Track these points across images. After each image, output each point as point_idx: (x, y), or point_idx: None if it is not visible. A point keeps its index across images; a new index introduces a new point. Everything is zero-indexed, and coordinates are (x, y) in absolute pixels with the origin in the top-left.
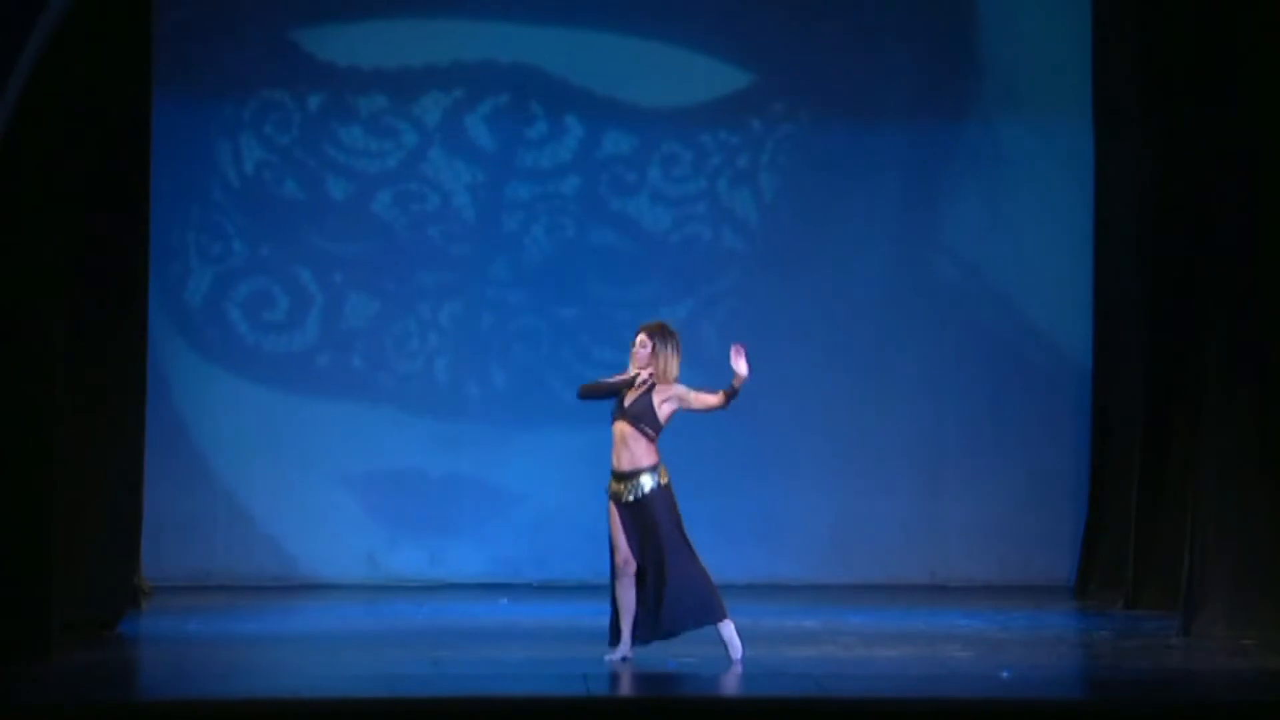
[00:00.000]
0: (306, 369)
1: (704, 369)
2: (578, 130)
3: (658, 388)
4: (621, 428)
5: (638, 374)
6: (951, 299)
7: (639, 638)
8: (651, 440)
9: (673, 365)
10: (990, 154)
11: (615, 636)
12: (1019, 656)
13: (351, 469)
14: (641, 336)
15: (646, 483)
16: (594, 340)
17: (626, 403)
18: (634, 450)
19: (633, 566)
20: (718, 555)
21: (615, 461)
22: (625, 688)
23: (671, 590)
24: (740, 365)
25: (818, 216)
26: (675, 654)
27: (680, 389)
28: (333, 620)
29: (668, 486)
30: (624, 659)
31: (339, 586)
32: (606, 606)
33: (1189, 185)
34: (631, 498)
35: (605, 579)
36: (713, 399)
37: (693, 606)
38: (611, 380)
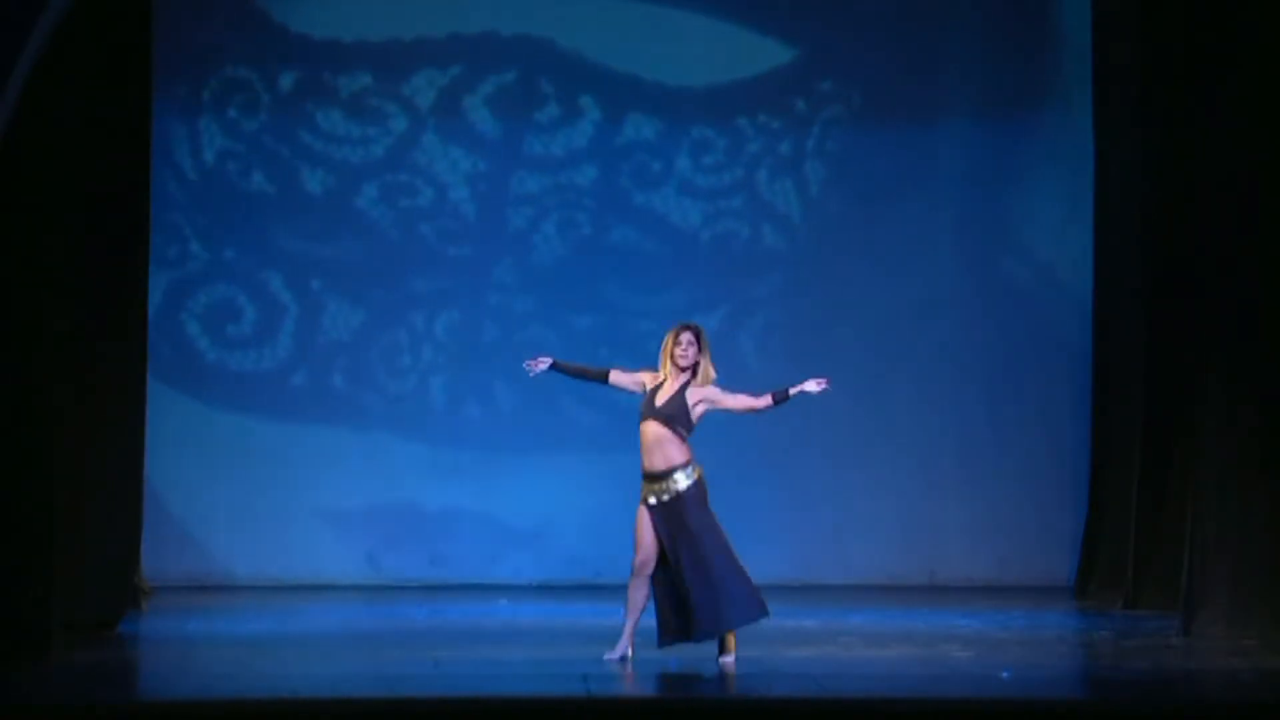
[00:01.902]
0: (278, 390)
1: (739, 385)
2: (594, 113)
3: (692, 388)
4: (655, 428)
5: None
6: (950, 299)
7: (670, 638)
8: (683, 439)
9: (711, 366)
10: (1040, 147)
11: (664, 632)
12: (1019, 656)
13: (334, 503)
14: (688, 335)
15: (680, 481)
16: (613, 353)
17: (659, 402)
18: (667, 451)
19: (649, 568)
20: None
21: (648, 463)
22: (625, 688)
23: (713, 590)
24: (811, 389)
25: (869, 212)
26: (675, 654)
27: (715, 390)
28: (333, 620)
29: (700, 483)
30: (622, 659)
31: (339, 587)
32: (606, 607)
33: (1189, 184)
34: (666, 497)
35: (604, 580)
36: (755, 401)
37: (736, 604)
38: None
